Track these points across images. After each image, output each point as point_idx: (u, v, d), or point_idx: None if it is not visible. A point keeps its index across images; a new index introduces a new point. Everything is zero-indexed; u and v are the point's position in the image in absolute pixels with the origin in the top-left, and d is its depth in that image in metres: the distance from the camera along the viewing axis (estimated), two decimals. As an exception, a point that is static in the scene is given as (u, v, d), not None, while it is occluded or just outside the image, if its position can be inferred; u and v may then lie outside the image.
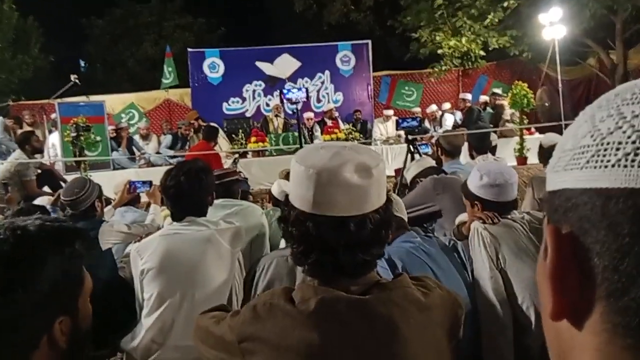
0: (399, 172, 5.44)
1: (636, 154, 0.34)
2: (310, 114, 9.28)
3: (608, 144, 0.36)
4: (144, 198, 3.97)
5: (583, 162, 0.37)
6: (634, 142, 0.34)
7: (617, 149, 0.35)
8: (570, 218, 0.38)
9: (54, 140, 8.10)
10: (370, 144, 8.81)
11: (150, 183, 3.48)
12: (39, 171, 5.78)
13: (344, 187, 0.94)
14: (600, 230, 0.35)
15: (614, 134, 0.36)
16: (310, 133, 9.01)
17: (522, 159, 7.45)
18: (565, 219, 0.39)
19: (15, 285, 0.79)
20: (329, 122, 9.20)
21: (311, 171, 0.95)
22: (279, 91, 5.53)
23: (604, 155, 0.36)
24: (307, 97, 4.83)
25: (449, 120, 9.12)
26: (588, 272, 0.36)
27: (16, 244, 0.81)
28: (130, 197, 3.62)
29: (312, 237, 0.96)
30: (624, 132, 0.35)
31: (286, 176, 4.04)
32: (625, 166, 0.34)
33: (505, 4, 10.16)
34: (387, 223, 1.00)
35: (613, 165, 0.35)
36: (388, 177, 6.99)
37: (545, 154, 3.55)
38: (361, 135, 8.94)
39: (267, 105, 10.32)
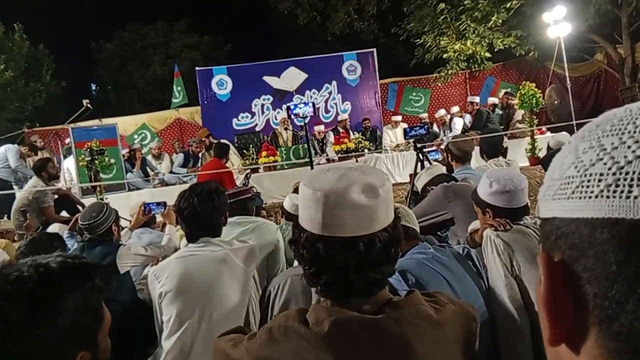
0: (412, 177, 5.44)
1: (617, 185, 0.35)
2: (320, 127, 9.33)
3: (591, 175, 0.37)
4: (159, 218, 4.03)
5: (569, 192, 0.39)
6: (614, 174, 0.36)
7: (599, 180, 0.36)
8: (561, 246, 0.40)
9: (68, 165, 8.25)
10: (380, 151, 8.82)
11: (164, 204, 3.54)
12: (57, 196, 5.88)
13: (351, 208, 0.95)
14: (589, 258, 0.37)
15: (596, 165, 0.37)
16: (321, 144, 9.05)
17: (534, 159, 7.39)
18: (557, 247, 0.40)
19: (39, 321, 0.81)
20: (341, 131, 9.24)
21: (319, 194, 0.97)
22: (286, 106, 5.59)
23: (588, 187, 0.37)
24: (315, 112, 4.86)
25: (458, 124, 9.10)
26: (580, 298, 0.38)
27: (39, 281, 0.84)
28: (146, 219, 3.67)
29: (322, 258, 0.97)
30: (605, 163, 0.37)
31: (297, 190, 4.07)
32: (608, 197, 0.36)
33: (509, 5, 10.13)
34: (396, 241, 1.01)
35: (597, 196, 0.36)
36: (402, 184, 6.98)
37: (547, 159, 3.54)
38: (371, 144, 8.94)
39: (276, 118, 10.41)
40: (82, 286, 0.88)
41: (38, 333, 0.81)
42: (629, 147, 0.36)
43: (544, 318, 0.40)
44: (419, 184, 3.28)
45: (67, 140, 8.91)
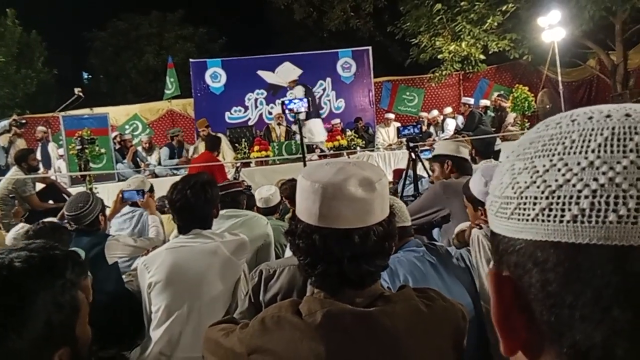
0: (397, 172, 5.46)
1: (550, 210, 0.36)
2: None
3: (526, 198, 0.38)
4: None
5: (509, 212, 0.40)
6: (547, 198, 0.37)
7: (534, 204, 0.37)
8: (507, 262, 0.41)
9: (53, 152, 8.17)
10: (372, 149, 8.83)
11: (142, 192, 3.42)
12: (43, 185, 5.82)
13: (348, 200, 0.97)
14: (532, 276, 0.38)
15: (530, 188, 0.38)
16: (313, 141, 9.03)
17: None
18: (503, 263, 0.41)
19: (9, 332, 0.76)
20: (334, 129, 9.21)
21: (317, 185, 0.98)
22: (280, 100, 5.57)
23: (524, 209, 0.38)
24: (309, 107, 4.85)
25: (450, 125, 9.14)
26: (530, 313, 0.39)
27: (3, 289, 0.78)
28: (123, 207, 3.62)
29: (318, 249, 0.98)
30: (538, 187, 0.37)
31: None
32: (543, 221, 0.37)
33: (504, 8, 10.18)
34: (391, 235, 1.03)
35: (533, 220, 0.37)
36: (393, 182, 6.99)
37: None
38: (364, 142, 8.95)
39: (270, 113, 10.36)
40: (52, 285, 0.82)
41: (8, 344, 0.75)
42: (559, 169, 0.37)
43: (498, 332, 0.41)
44: (438, 149, 3.28)
45: (39, 129, 8.84)
